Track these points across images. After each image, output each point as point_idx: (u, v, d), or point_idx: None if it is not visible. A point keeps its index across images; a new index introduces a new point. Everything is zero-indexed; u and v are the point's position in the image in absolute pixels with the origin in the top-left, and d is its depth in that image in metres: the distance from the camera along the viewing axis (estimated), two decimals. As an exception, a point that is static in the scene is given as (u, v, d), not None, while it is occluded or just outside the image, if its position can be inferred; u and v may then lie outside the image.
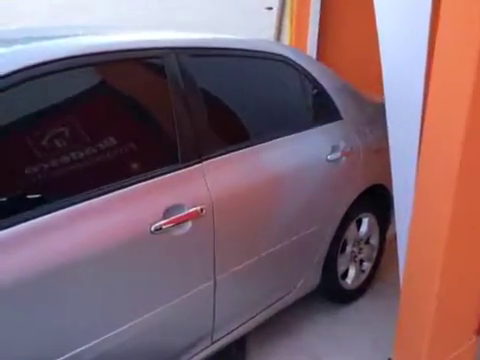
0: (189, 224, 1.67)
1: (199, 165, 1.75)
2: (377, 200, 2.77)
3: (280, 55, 2.28)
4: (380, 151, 2.59)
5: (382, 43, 2.26)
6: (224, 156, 1.85)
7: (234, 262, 1.91)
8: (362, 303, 2.81)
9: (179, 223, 1.64)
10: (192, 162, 1.73)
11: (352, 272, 2.74)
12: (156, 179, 1.62)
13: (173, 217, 1.61)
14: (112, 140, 1.57)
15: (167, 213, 1.60)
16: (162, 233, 1.59)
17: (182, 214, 1.64)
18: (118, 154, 1.58)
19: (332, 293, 2.74)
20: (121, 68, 1.68)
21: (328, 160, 2.30)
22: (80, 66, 1.55)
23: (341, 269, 2.66)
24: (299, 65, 2.35)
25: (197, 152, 1.76)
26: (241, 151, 1.93)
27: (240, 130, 2.07)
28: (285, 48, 2.46)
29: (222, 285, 1.85)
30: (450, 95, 1.63)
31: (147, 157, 1.69)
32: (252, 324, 2.13)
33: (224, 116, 2.00)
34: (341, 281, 2.69)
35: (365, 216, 2.72)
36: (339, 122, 2.47)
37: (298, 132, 2.22)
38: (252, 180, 1.93)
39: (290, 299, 2.34)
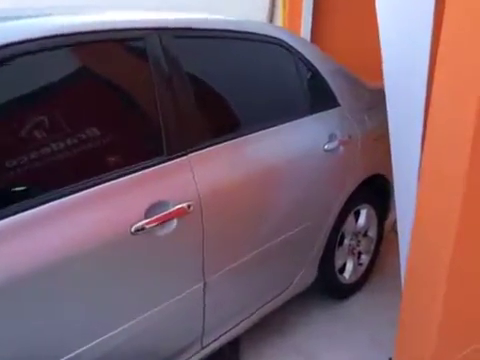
0: (175, 222, 1.52)
1: (186, 157, 1.60)
2: (376, 190, 2.65)
3: (274, 38, 2.12)
4: (379, 139, 2.48)
5: (381, 24, 2.15)
6: (213, 147, 1.70)
7: (225, 262, 1.77)
8: (360, 298, 2.71)
9: (164, 222, 1.49)
10: (178, 154, 1.58)
11: (350, 266, 2.65)
12: (137, 173, 1.46)
13: (156, 216, 1.46)
14: (88, 130, 1.41)
15: (150, 211, 1.45)
16: (144, 233, 1.44)
17: (167, 212, 1.49)
18: (95, 146, 1.42)
19: (329, 288, 2.63)
20: (97, 51, 1.52)
21: (325, 150, 2.16)
22: (52, 48, 1.39)
23: (338, 263, 2.56)
24: (294, 49, 2.20)
25: (183, 143, 1.61)
26: (232, 141, 1.78)
27: (231, 119, 1.92)
28: (279, 30, 2.29)
29: (212, 287, 1.71)
30: (459, 77, 1.50)
31: (127, 149, 1.53)
32: (245, 325, 2.00)
33: (213, 103, 1.84)
34: (338, 276, 2.58)
35: (363, 207, 2.61)
36: (336, 109, 2.33)
37: (293, 120, 2.07)
38: (244, 173, 1.79)
39: (285, 297, 2.21)
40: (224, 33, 1.88)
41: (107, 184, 1.39)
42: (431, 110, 1.68)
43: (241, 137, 1.82)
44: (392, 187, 2.62)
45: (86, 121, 1.42)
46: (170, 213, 1.49)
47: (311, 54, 2.28)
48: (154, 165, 1.51)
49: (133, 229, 1.40)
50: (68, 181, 1.34)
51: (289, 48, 2.17)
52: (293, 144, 2.03)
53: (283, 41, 2.16)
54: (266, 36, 2.09)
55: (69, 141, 1.37)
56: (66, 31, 1.42)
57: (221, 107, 1.87)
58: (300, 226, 2.11)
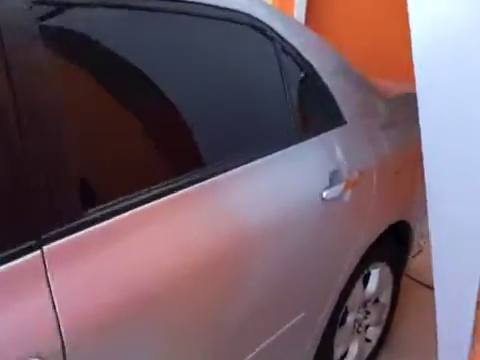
0: None
1: (33, 254, 0.76)
2: (393, 241, 1.86)
3: (242, 14, 1.27)
4: (403, 171, 1.70)
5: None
6: (108, 222, 0.86)
7: None
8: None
9: None
10: (17, 250, 0.74)
11: (354, 349, 1.89)
12: None
13: None
14: None
15: None
16: None
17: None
18: None
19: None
20: None
21: (324, 199, 1.33)
22: None
23: (339, 351, 1.75)
24: (276, 33, 1.36)
25: (32, 223, 0.76)
26: (149, 205, 0.93)
27: (150, 161, 1.02)
28: (253, 4, 1.42)
29: None
30: None
31: None
32: None
33: (113, 135, 0.96)
34: (338, 366, 1.78)
35: (375, 267, 1.82)
36: (340, 129, 1.50)
37: (271, 153, 1.23)
38: (175, 263, 0.95)
39: None
40: (143, 2, 1.02)
41: None
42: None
43: (170, 195, 0.97)
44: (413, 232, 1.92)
45: None
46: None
47: (303, 43, 1.45)
48: None
49: None
50: None
51: (267, 31, 1.34)
52: (271, 196, 1.19)
53: (258, 21, 1.32)
54: (230, 11, 1.24)
55: None
56: None
57: (129, 141, 0.99)
58: (286, 325, 1.30)
